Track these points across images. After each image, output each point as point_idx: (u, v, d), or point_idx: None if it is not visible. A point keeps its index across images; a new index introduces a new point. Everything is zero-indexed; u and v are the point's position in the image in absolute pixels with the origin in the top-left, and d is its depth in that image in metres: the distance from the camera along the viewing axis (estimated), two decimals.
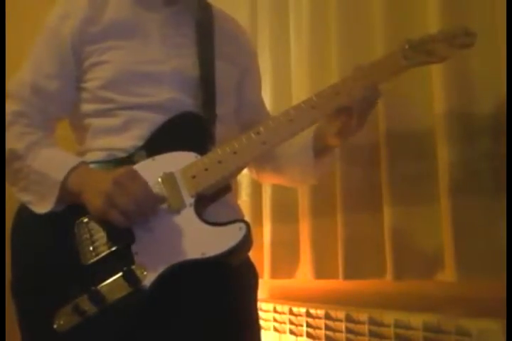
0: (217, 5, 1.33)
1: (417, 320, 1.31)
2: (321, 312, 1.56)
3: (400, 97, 1.42)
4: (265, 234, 1.81)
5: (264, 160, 1.27)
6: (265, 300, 1.81)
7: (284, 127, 1.09)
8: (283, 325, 1.70)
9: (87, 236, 1.03)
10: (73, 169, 1.06)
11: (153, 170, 1.05)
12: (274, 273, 1.77)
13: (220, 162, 1.06)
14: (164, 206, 1.03)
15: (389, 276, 1.39)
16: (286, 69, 1.83)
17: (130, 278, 0.97)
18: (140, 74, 1.14)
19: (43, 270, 1.04)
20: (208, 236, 1.01)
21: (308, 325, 1.60)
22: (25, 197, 1.08)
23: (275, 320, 1.73)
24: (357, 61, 1.48)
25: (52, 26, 1.19)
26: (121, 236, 1.01)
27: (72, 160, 1.08)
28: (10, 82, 1.18)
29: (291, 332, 1.66)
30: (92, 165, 1.10)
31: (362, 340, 1.42)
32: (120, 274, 0.98)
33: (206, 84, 1.16)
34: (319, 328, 1.56)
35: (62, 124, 1.24)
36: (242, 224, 1.01)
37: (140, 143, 1.11)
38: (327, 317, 1.54)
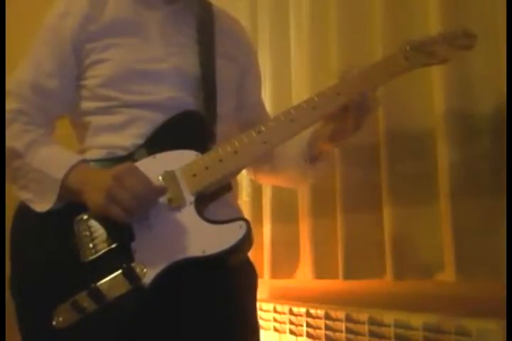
0: (217, 5, 1.33)
1: (417, 320, 1.31)
2: (321, 312, 1.56)
3: (400, 97, 1.42)
4: (265, 234, 1.81)
5: (262, 160, 1.27)
6: (265, 300, 1.81)
7: (285, 127, 1.09)
8: (283, 325, 1.69)
9: (87, 233, 1.03)
10: (73, 167, 1.05)
11: (153, 168, 1.04)
12: (274, 273, 1.77)
13: (220, 160, 1.06)
14: (165, 203, 1.03)
15: (389, 276, 1.39)
16: (286, 69, 1.83)
17: (130, 275, 0.97)
18: (140, 72, 1.14)
19: (43, 267, 1.04)
20: (208, 234, 1.00)
21: (308, 325, 1.60)
22: (25, 195, 1.08)
23: (275, 320, 1.73)
24: (357, 61, 1.49)
25: (52, 24, 1.19)
26: (121, 234, 1.01)
27: (73, 158, 1.08)
28: (9, 80, 1.18)
29: (291, 332, 1.65)
30: (92, 164, 1.10)
31: (362, 340, 1.42)
32: (120, 271, 0.98)
33: (207, 83, 1.16)
34: (319, 328, 1.55)
35: (63, 123, 1.23)
36: (242, 222, 1.01)
37: (140, 142, 1.11)
38: (327, 317, 1.54)
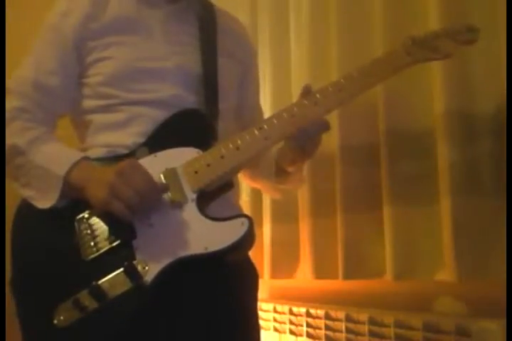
0: (217, 4, 1.33)
1: (417, 320, 1.31)
2: (321, 312, 1.56)
3: (400, 97, 1.42)
4: (265, 234, 1.81)
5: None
6: (265, 300, 1.81)
7: (287, 123, 1.09)
8: (283, 325, 1.69)
9: (88, 231, 1.02)
10: (76, 164, 1.05)
11: (155, 166, 1.04)
12: (274, 273, 1.77)
13: (222, 157, 1.06)
14: (166, 201, 1.03)
15: (389, 276, 1.39)
16: (286, 69, 1.84)
17: (131, 273, 0.97)
18: (142, 70, 1.15)
19: (44, 266, 1.04)
20: (210, 231, 1.00)
21: (308, 325, 1.60)
22: (28, 193, 1.08)
23: (275, 320, 1.73)
24: (357, 60, 1.49)
25: (54, 23, 1.19)
26: (123, 232, 1.01)
27: (75, 155, 1.08)
28: (10, 78, 1.17)
29: (291, 332, 1.65)
30: (93, 162, 1.09)
31: (362, 340, 1.42)
32: (121, 269, 0.98)
33: (209, 81, 1.17)
34: (319, 328, 1.55)
35: (63, 123, 1.23)
36: (244, 219, 1.01)
37: (142, 140, 1.11)
38: (327, 317, 1.53)
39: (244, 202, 1.87)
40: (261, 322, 1.36)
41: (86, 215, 1.04)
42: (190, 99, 1.15)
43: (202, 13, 1.25)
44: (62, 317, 0.97)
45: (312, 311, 1.59)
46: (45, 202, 1.05)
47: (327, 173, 1.59)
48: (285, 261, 1.75)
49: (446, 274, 1.28)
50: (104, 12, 1.17)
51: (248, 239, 1.01)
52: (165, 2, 1.22)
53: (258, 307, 1.24)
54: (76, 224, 1.04)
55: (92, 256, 1.01)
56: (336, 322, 1.50)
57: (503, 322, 1.05)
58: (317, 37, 1.69)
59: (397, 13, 1.44)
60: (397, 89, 1.40)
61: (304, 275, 1.67)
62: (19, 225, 1.11)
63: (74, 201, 1.06)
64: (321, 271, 1.60)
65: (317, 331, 1.56)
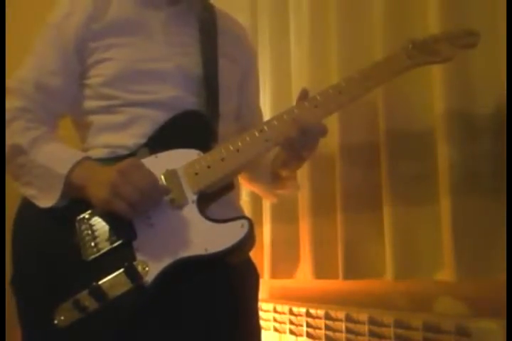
0: (217, 5, 1.33)
1: (417, 320, 1.31)
2: (321, 312, 1.56)
3: (400, 97, 1.42)
4: (265, 234, 1.81)
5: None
6: (265, 300, 1.81)
7: (287, 125, 1.08)
8: (283, 325, 1.69)
9: (89, 232, 1.03)
10: (78, 163, 1.05)
11: (155, 167, 1.04)
12: (274, 273, 1.77)
13: (222, 159, 1.06)
14: (167, 202, 1.03)
15: (389, 276, 1.39)
16: (286, 69, 1.83)
17: (131, 274, 0.97)
18: (143, 71, 1.15)
19: (44, 266, 1.04)
20: (210, 233, 1.00)
21: (308, 325, 1.59)
22: (29, 192, 1.08)
23: (275, 320, 1.73)
24: (357, 61, 1.49)
25: (56, 23, 1.19)
26: (123, 232, 1.01)
27: (77, 155, 1.08)
28: (11, 78, 1.17)
29: (291, 332, 1.65)
30: (95, 162, 1.09)
31: (362, 340, 1.42)
32: (121, 270, 0.98)
33: (209, 82, 1.17)
34: (319, 328, 1.55)
35: (65, 124, 1.24)
36: (244, 221, 1.01)
37: (142, 141, 1.11)
38: (327, 317, 1.53)
39: (244, 202, 1.87)
40: (261, 322, 1.36)
41: (87, 216, 1.04)
42: (190, 101, 1.15)
43: (202, 15, 1.25)
44: (62, 317, 0.97)
45: (312, 311, 1.59)
46: (46, 201, 1.05)
47: (327, 173, 1.59)
48: (285, 261, 1.74)
49: (446, 274, 1.28)
50: (105, 13, 1.17)
51: (248, 241, 1.01)
52: (166, 4, 1.22)
53: (258, 307, 1.24)
54: (77, 224, 1.04)
55: (93, 256, 1.01)
56: (336, 322, 1.50)
57: (503, 322, 1.05)
58: (317, 37, 1.68)
59: (397, 13, 1.44)
60: (397, 89, 1.40)
61: (304, 275, 1.67)
62: (20, 225, 1.11)
63: (75, 201, 1.06)
64: (321, 271, 1.60)
65: (317, 331, 1.56)
